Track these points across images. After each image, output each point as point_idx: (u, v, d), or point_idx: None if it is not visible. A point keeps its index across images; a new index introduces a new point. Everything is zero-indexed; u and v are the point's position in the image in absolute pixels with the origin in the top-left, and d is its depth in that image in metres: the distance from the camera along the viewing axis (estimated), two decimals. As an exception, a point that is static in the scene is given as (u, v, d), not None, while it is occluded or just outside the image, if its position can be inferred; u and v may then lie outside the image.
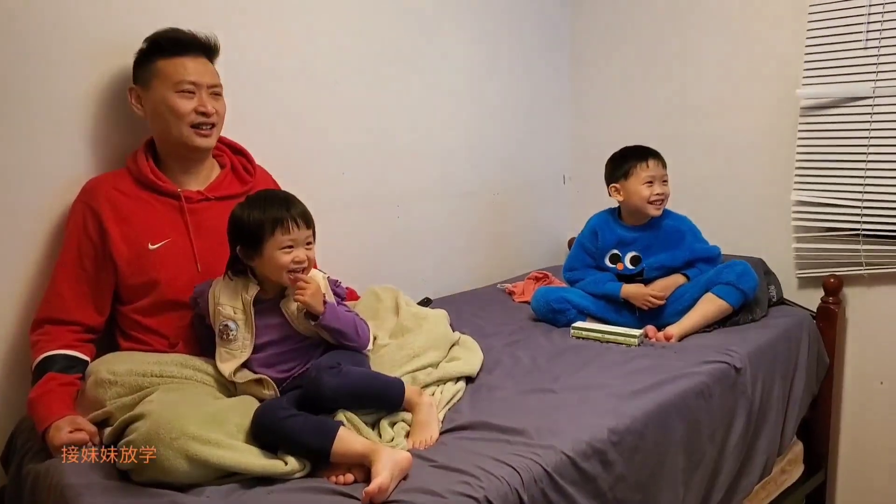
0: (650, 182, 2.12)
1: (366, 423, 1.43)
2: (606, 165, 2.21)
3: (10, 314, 1.62)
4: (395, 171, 2.38)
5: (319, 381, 1.40)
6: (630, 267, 2.17)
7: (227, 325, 1.51)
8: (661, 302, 2.09)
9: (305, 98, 2.12)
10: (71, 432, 1.36)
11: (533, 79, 2.83)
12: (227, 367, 1.49)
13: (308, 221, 1.52)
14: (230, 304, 1.51)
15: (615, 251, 2.21)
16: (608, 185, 2.19)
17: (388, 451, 1.28)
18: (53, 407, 1.41)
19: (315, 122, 2.16)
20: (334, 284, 1.63)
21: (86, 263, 1.59)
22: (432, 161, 2.50)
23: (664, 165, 2.16)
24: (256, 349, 1.52)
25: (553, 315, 2.16)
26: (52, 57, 1.62)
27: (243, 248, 1.51)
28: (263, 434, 1.33)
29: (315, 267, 1.63)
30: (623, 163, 2.16)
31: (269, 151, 1.90)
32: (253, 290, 1.52)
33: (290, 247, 1.49)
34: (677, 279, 2.14)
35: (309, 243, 1.53)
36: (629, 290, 2.12)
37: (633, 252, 2.18)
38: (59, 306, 1.57)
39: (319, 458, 1.31)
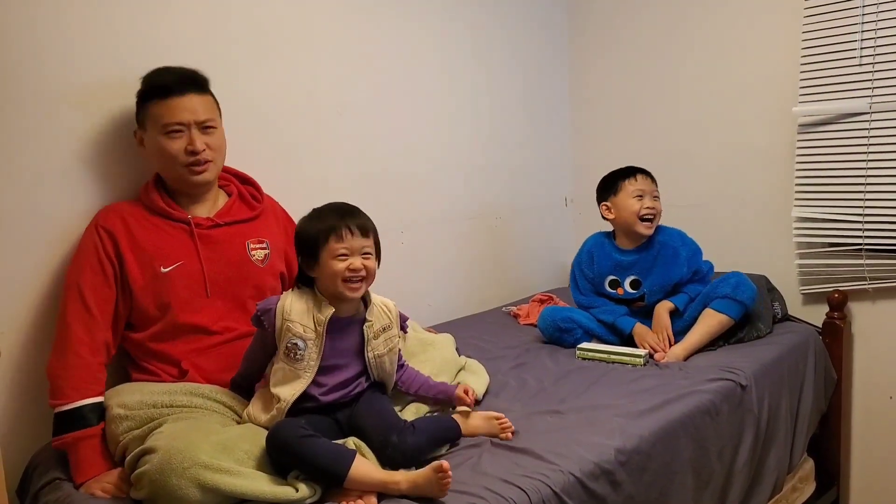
0: (640, 196, 2.12)
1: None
2: (597, 187, 2.24)
3: (23, 350, 1.65)
4: (398, 198, 2.42)
5: (405, 444, 1.42)
6: (630, 291, 2.17)
7: (295, 344, 1.47)
8: (666, 348, 2.05)
9: (308, 129, 2.17)
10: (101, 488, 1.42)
11: (533, 102, 2.87)
12: (287, 392, 1.45)
13: (365, 231, 1.52)
14: (300, 323, 1.48)
15: (613, 276, 2.20)
16: (599, 205, 2.22)
17: (408, 474, 1.32)
18: (99, 460, 1.48)
19: (318, 151, 2.20)
20: (403, 321, 1.63)
21: (110, 282, 1.60)
22: (434, 187, 2.54)
23: (654, 181, 2.18)
24: (320, 370, 1.50)
25: (560, 334, 2.16)
26: (59, 94, 1.66)
27: (304, 258, 1.52)
28: (279, 452, 1.33)
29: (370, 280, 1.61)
30: (612, 180, 2.19)
31: (273, 183, 1.94)
32: (328, 311, 1.49)
33: (345, 255, 1.48)
34: (667, 307, 2.12)
35: (367, 253, 1.52)
36: (640, 330, 2.11)
37: (632, 276, 2.18)
38: (92, 325, 1.56)
39: (331, 483, 1.32)
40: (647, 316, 2.17)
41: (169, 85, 1.64)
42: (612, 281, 2.20)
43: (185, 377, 1.62)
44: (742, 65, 2.48)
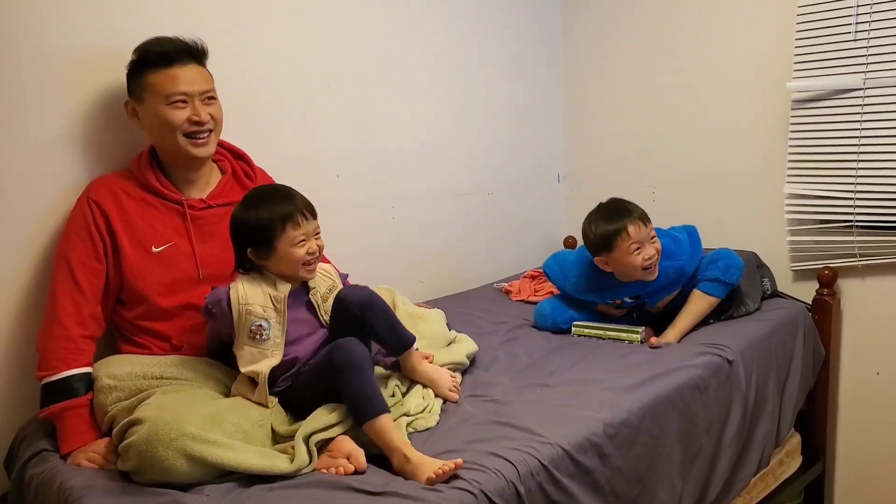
0: (638, 248, 1.93)
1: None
2: (584, 234, 2.01)
3: (11, 322, 1.64)
4: (390, 173, 2.40)
5: (346, 292, 1.51)
6: (629, 301, 2.09)
7: (260, 325, 1.48)
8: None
9: (299, 102, 2.14)
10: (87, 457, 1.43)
11: (525, 77, 2.84)
12: (263, 366, 1.46)
13: (313, 212, 1.55)
14: (259, 304, 1.49)
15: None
16: (594, 257, 2.01)
17: (422, 455, 1.33)
18: (86, 430, 1.48)
19: (308, 125, 2.17)
20: (344, 278, 1.65)
21: (100, 256, 1.59)
22: (426, 162, 2.52)
23: (646, 221, 1.96)
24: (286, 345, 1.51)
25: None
26: (49, 64, 1.64)
27: (254, 249, 1.51)
28: (343, 357, 1.39)
29: (325, 260, 1.67)
30: (602, 235, 1.95)
31: (263, 156, 1.92)
32: (284, 288, 1.51)
33: (303, 240, 1.51)
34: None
35: (318, 233, 1.55)
36: (602, 306, 2.13)
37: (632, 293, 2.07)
38: (80, 299, 1.56)
39: (356, 416, 1.38)
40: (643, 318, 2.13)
41: (171, 54, 1.61)
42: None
43: (176, 352, 1.61)
44: (736, 40, 2.45)
